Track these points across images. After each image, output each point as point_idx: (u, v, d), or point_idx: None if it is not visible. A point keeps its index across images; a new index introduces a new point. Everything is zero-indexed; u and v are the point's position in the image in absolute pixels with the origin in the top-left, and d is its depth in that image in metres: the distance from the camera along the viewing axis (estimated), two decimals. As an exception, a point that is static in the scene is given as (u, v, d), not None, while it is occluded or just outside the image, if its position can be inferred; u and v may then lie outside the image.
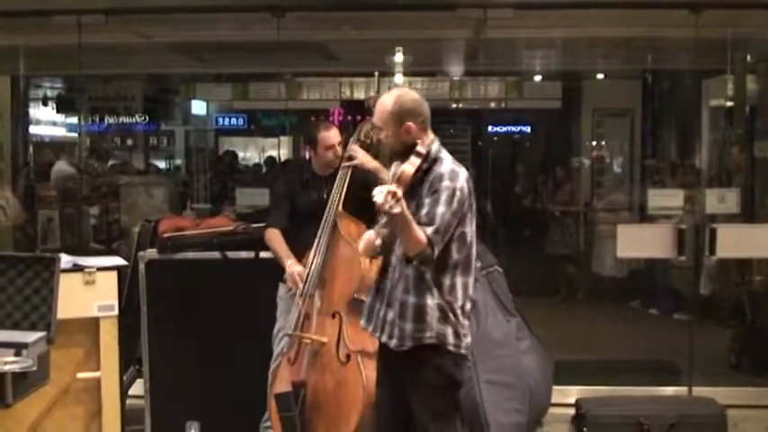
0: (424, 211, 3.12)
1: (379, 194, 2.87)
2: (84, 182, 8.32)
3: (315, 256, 4.07)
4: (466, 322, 3.28)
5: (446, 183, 3.14)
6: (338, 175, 4.20)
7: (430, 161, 3.21)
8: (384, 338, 3.29)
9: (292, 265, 4.15)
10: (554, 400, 4.99)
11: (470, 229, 3.26)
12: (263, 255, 4.56)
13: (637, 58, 8.49)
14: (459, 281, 3.23)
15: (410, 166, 3.07)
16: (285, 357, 4.15)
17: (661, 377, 5.82)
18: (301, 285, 4.06)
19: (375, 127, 4.21)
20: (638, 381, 5.63)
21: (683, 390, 5.53)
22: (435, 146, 3.26)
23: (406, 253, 3.12)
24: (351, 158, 4.20)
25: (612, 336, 7.14)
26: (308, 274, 4.07)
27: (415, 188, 3.16)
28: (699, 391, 5.42)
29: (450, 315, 3.20)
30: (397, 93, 3.29)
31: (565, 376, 5.32)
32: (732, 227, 5.72)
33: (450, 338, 3.21)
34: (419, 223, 3.07)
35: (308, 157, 4.52)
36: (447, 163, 3.23)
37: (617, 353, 6.57)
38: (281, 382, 4.08)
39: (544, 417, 5.02)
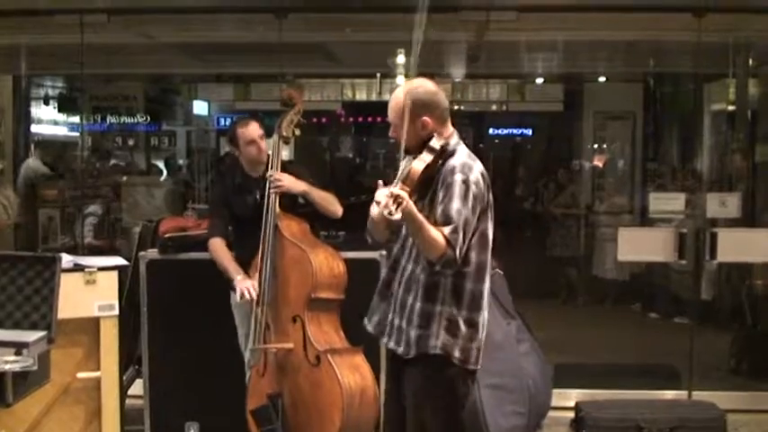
0: (439, 209, 2.89)
1: (380, 196, 2.72)
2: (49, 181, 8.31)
3: (263, 264, 4.03)
4: (478, 335, 3.02)
5: (458, 176, 2.91)
6: (267, 201, 4.09)
7: (446, 156, 2.98)
8: (392, 344, 3.10)
9: (242, 281, 4.09)
10: (554, 403, 5.00)
11: (491, 229, 3.03)
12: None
13: (639, 62, 8.49)
14: (472, 287, 2.99)
15: (420, 162, 2.86)
16: (254, 370, 4.13)
17: (661, 381, 5.82)
18: (255, 297, 4.01)
19: (297, 120, 4.11)
20: (638, 384, 5.63)
21: (682, 394, 5.53)
22: (454, 139, 3.05)
23: (426, 257, 2.89)
24: (277, 185, 4.08)
25: (612, 339, 7.13)
26: (260, 284, 4.03)
27: (428, 184, 2.94)
28: (699, 395, 5.42)
29: (462, 326, 2.97)
30: (410, 85, 3.05)
31: (565, 379, 5.32)
32: (733, 231, 5.72)
33: (457, 352, 2.97)
34: (435, 223, 2.85)
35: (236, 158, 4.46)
36: (460, 156, 3.00)
37: (617, 356, 6.57)
38: (255, 397, 4.06)
39: (544, 419, 5.02)
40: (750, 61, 7.46)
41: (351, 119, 11.75)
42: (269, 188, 4.09)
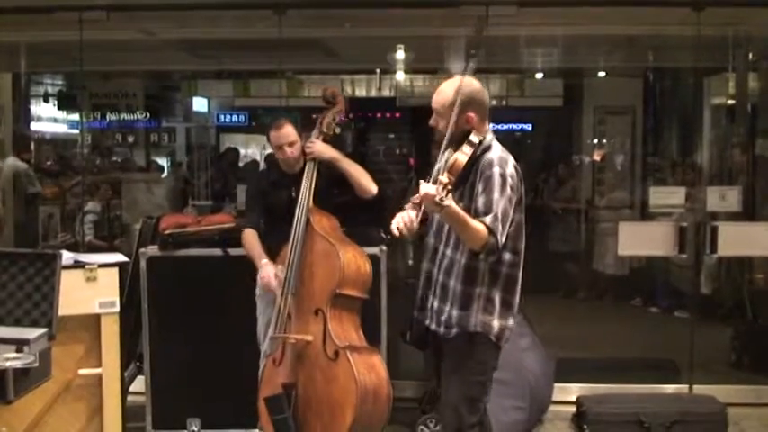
0: (480, 200, 3.09)
1: (428, 188, 2.86)
2: (35, 179, 8.26)
3: (291, 255, 4.05)
4: (512, 315, 3.28)
5: (496, 169, 3.12)
6: (305, 171, 4.20)
7: (482, 150, 3.17)
8: (433, 326, 3.32)
9: (266, 266, 4.15)
10: (555, 397, 5.01)
11: (523, 219, 3.25)
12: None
13: (638, 56, 8.47)
14: (508, 271, 3.23)
15: (463, 155, 3.04)
16: (270, 359, 4.14)
17: (662, 375, 5.82)
18: (277, 286, 4.05)
19: (336, 119, 4.24)
20: (639, 378, 5.64)
21: (683, 387, 5.54)
22: (490, 135, 3.25)
23: (469, 248, 3.10)
24: (309, 149, 4.20)
25: (613, 333, 7.14)
26: (286, 274, 4.05)
27: (464, 176, 3.12)
28: (699, 388, 5.43)
29: (498, 305, 3.22)
30: (458, 82, 3.22)
31: (566, 374, 5.33)
32: (733, 225, 5.72)
33: (495, 329, 3.22)
34: (476, 214, 3.05)
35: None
36: (496, 150, 3.21)
37: (618, 350, 6.58)
38: (269, 385, 4.07)
39: (545, 414, 5.04)
40: (750, 55, 7.45)
41: (350, 114, 11.75)
42: (306, 169, 4.18)
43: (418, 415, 4.88)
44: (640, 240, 5.77)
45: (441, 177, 2.90)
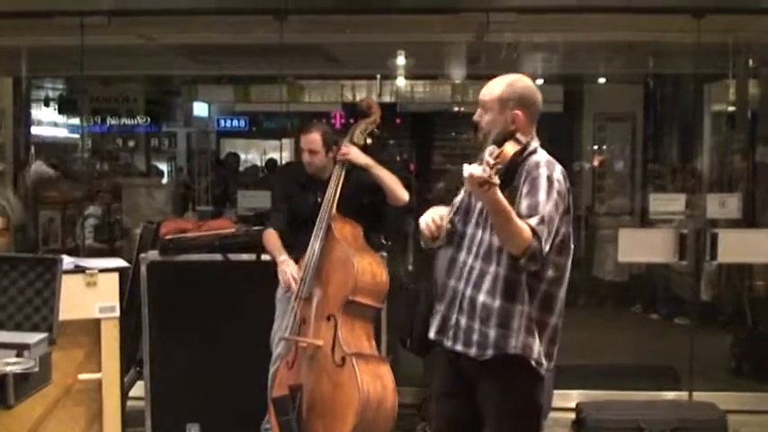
0: (524, 203, 2.79)
1: (472, 168, 2.56)
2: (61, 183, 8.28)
3: (309, 259, 4.07)
4: (556, 340, 2.96)
5: (543, 170, 2.84)
6: (333, 173, 4.22)
7: (526, 154, 2.90)
8: (459, 347, 2.93)
9: (285, 263, 4.16)
10: (554, 404, 4.99)
11: (571, 234, 2.94)
12: (264, 257, 4.56)
13: (639, 63, 8.48)
14: (549, 289, 2.90)
15: (511, 146, 2.73)
16: (284, 361, 4.15)
17: (662, 382, 5.82)
18: (295, 287, 4.07)
19: (371, 128, 4.22)
20: (639, 385, 5.63)
21: (683, 395, 5.54)
22: (536, 141, 2.98)
23: (510, 251, 2.76)
24: (343, 155, 4.23)
25: (613, 340, 7.13)
26: (302, 277, 4.07)
27: (508, 178, 2.78)
28: (699, 395, 5.43)
29: (539, 328, 2.88)
30: (511, 78, 3.01)
31: (565, 380, 5.32)
32: (733, 232, 5.72)
33: (535, 353, 2.86)
34: (519, 217, 2.74)
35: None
36: (543, 154, 2.94)
37: (617, 357, 6.57)
38: (280, 386, 4.09)
39: (545, 421, 5.02)
40: (750, 62, 7.45)
41: (351, 120, 11.76)
42: (333, 174, 4.20)
43: (417, 421, 4.88)
44: (640, 247, 5.76)
45: (487, 158, 2.58)
